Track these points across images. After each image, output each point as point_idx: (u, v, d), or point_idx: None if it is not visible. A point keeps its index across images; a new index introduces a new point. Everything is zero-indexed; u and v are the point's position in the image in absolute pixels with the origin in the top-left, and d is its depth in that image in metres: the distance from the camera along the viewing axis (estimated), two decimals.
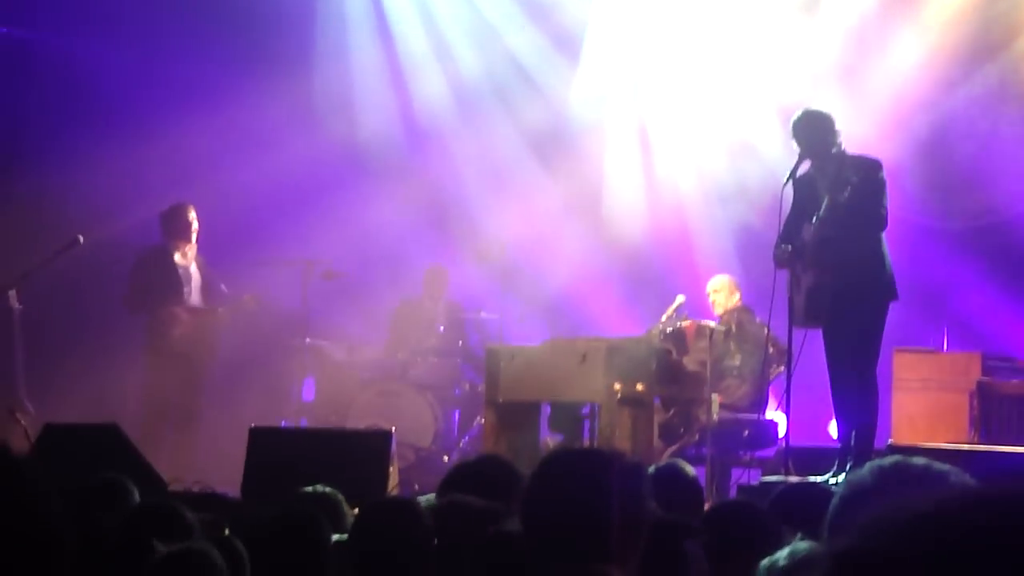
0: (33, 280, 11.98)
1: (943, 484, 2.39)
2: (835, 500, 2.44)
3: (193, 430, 12.56)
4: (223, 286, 12.74)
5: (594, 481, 3.44)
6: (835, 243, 9.08)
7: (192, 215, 12.55)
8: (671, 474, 6.16)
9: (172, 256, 12.56)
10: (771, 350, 11.50)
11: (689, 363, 11.13)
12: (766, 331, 11.52)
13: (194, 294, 12.60)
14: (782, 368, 11.47)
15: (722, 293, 12.09)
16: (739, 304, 12.03)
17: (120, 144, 13.58)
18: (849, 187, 8.99)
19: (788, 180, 9.33)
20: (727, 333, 11.59)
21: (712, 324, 11.45)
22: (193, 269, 12.62)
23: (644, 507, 3.53)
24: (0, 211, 13.51)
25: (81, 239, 11.94)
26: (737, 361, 11.66)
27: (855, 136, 10.34)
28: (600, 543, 3.34)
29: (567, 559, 3.31)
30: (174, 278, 12.53)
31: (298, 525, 4.73)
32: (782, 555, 3.37)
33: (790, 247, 9.25)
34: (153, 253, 12.61)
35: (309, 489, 5.78)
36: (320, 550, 4.62)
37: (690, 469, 6.56)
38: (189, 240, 12.55)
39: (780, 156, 11.72)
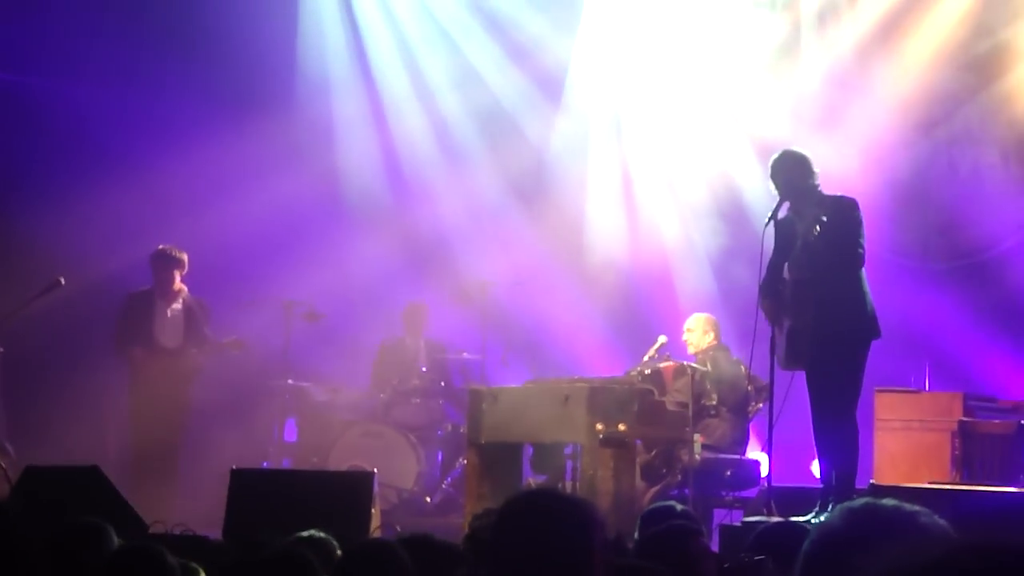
0: (14, 322, 11.96)
1: (913, 525, 2.40)
2: (806, 544, 2.45)
3: (172, 471, 12.49)
4: (208, 331, 12.67)
5: (558, 522, 3.45)
6: (811, 283, 9.10)
7: (172, 259, 12.52)
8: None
9: (153, 299, 12.56)
10: (749, 387, 11.51)
11: (668, 403, 11.13)
12: (743, 368, 11.55)
13: (169, 337, 12.55)
14: (761, 405, 11.50)
15: (696, 332, 12.10)
16: (714, 343, 12.04)
17: (101, 186, 13.58)
18: (818, 226, 9.02)
19: (769, 222, 9.35)
20: (704, 373, 11.59)
21: (691, 365, 11.45)
22: (174, 312, 12.59)
23: (604, 546, 3.53)
24: None
25: (62, 281, 11.92)
26: (714, 400, 11.68)
27: (835, 176, 10.39)
28: None
29: None
30: (146, 320, 12.52)
31: (292, 567, 4.71)
32: None
33: (768, 302, 9.26)
34: (136, 295, 12.64)
35: (305, 534, 5.75)
36: None
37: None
38: (168, 283, 12.54)
39: (763, 196, 11.76)
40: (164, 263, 12.53)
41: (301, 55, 15.54)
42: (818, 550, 2.41)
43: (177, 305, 12.60)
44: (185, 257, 12.59)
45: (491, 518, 5.75)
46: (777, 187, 9.34)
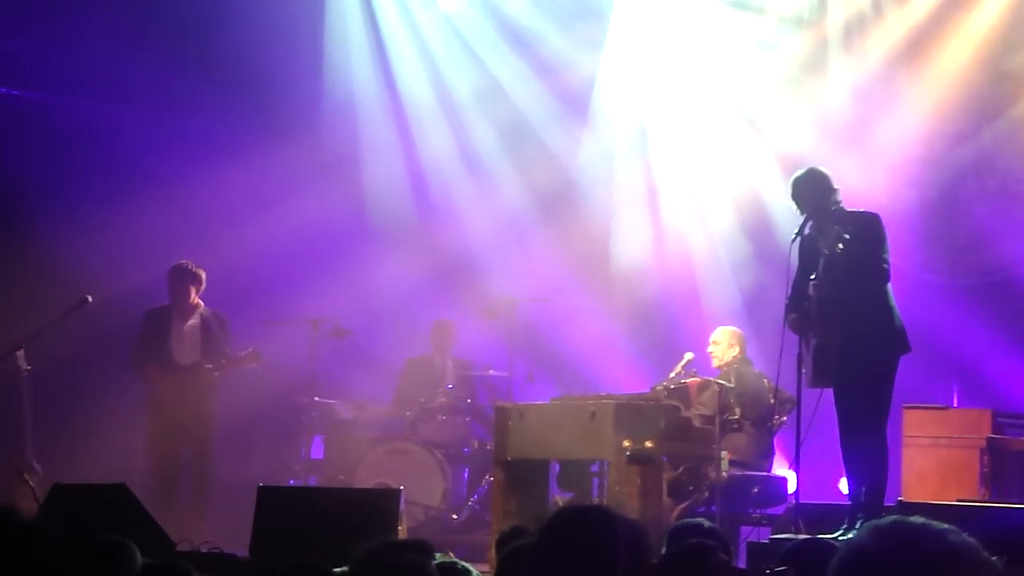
0: (41, 341, 11.99)
1: (941, 543, 2.38)
2: (834, 562, 2.43)
3: (200, 489, 12.40)
4: (227, 346, 12.45)
5: (602, 538, 3.44)
6: (836, 301, 9.08)
7: (187, 273, 12.36)
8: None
9: (170, 315, 12.46)
10: (772, 400, 11.48)
11: (694, 418, 11.09)
12: (766, 381, 11.53)
13: (185, 353, 12.34)
14: (785, 419, 11.47)
15: (721, 345, 12.10)
16: (739, 356, 12.03)
17: (127, 203, 13.62)
18: (840, 243, 9.01)
19: (795, 239, 9.34)
20: (728, 388, 11.56)
21: (717, 380, 11.42)
22: (190, 328, 12.39)
23: (648, 565, 3.54)
24: (8, 271, 13.54)
25: (90, 299, 11.93)
26: (736, 414, 11.65)
27: (861, 191, 10.37)
28: None
29: None
30: (162, 337, 12.40)
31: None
32: None
33: (795, 315, 9.24)
34: (155, 312, 12.51)
35: (338, 570, 5.75)
36: None
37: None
38: (184, 297, 12.38)
39: (788, 211, 11.73)
40: (179, 277, 12.41)
41: (327, 75, 15.57)
42: (845, 568, 2.39)
43: (194, 320, 12.40)
44: (202, 273, 12.46)
45: (523, 537, 5.75)
46: (798, 206, 9.34)
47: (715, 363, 12.05)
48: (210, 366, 12.27)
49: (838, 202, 9.30)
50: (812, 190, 9.29)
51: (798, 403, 9.46)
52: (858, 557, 2.38)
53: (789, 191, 9.45)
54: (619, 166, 15.30)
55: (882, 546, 2.38)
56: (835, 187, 9.32)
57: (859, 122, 13.97)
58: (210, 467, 12.42)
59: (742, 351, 12.08)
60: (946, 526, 2.41)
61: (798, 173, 9.47)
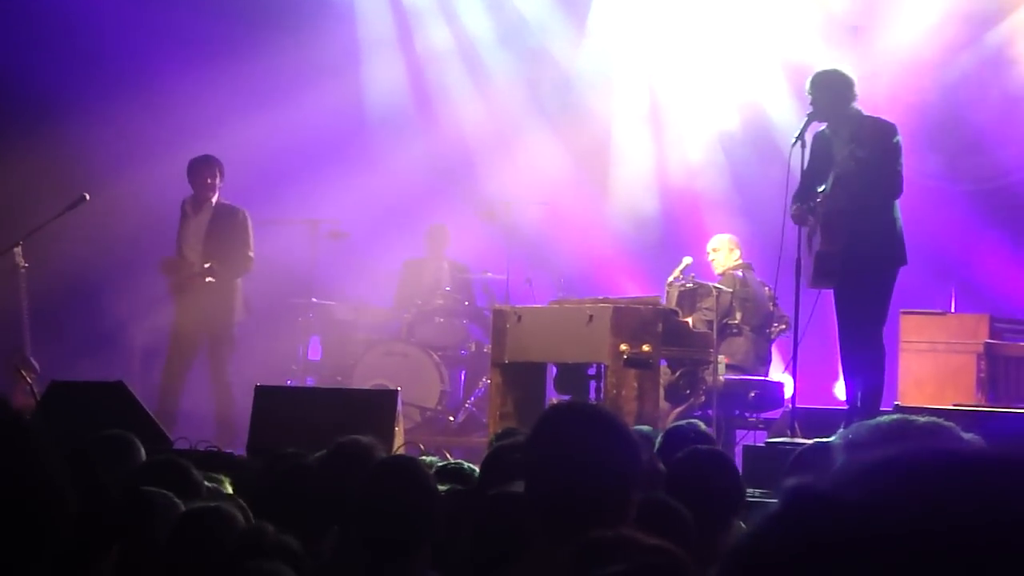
0: (40, 238, 11.96)
1: (945, 441, 2.37)
2: (839, 459, 2.41)
3: (218, 394, 12.09)
4: (242, 247, 12.07)
5: (594, 437, 3.44)
6: (846, 213, 9.03)
7: (201, 169, 12.10)
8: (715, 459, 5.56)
9: (184, 209, 12.26)
10: (772, 307, 11.48)
11: (695, 322, 11.10)
12: (767, 289, 11.53)
13: (191, 249, 12.10)
14: (784, 327, 11.48)
15: (721, 252, 12.11)
16: (739, 262, 12.04)
17: (127, 102, 13.56)
18: (855, 161, 8.94)
19: (796, 141, 9.27)
20: (732, 294, 11.58)
21: (717, 285, 11.43)
22: (199, 223, 12.14)
23: (641, 464, 3.53)
24: (7, 169, 13.51)
25: (87, 197, 11.89)
26: (737, 319, 11.66)
27: (862, 97, 10.29)
28: (600, 499, 3.34)
29: (568, 517, 3.30)
30: (177, 231, 12.29)
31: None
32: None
33: (803, 205, 9.19)
34: (183, 201, 12.29)
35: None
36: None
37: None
38: (196, 194, 12.15)
39: (789, 116, 11.69)
40: (190, 173, 12.17)
41: None
42: (855, 470, 2.36)
43: (204, 215, 12.15)
44: (218, 165, 12.18)
45: (514, 437, 5.76)
46: (815, 104, 9.22)
47: (717, 269, 12.06)
48: (207, 265, 11.96)
49: (855, 106, 9.20)
50: (826, 92, 9.18)
51: (796, 307, 9.43)
52: (862, 453, 2.37)
53: (807, 87, 9.33)
54: (619, 66, 15.21)
55: (887, 443, 2.37)
56: (855, 93, 9.21)
57: (860, 27, 13.88)
58: (223, 374, 12.11)
59: (741, 255, 12.10)
60: (949, 424, 2.40)
61: (819, 72, 9.37)
